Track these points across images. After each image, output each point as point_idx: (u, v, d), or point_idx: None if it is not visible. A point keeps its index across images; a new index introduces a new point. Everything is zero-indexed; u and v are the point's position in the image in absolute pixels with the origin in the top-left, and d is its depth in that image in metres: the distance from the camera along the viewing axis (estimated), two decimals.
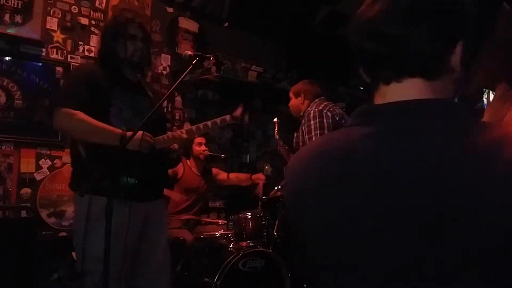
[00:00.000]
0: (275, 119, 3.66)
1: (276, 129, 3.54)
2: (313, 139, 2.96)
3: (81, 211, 2.04)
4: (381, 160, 0.64)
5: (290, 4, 4.69)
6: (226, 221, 3.50)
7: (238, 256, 2.94)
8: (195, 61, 2.11)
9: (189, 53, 2.18)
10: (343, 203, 0.67)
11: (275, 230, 3.51)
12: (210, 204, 4.49)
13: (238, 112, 2.23)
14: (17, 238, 2.89)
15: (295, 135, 3.28)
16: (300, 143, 3.15)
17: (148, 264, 2.22)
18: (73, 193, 2.15)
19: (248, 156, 4.91)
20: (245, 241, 3.17)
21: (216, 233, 3.34)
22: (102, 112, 2.06)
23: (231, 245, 3.18)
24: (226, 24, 4.58)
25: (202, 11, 4.43)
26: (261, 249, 3.09)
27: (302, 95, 3.31)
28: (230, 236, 3.26)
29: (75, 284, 3.36)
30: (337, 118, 3.04)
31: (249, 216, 3.25)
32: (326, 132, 2.96)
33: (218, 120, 2.22)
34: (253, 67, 4.80)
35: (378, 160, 0.65)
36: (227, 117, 2.23)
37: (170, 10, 4.27)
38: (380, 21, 0.70)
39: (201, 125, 2.24)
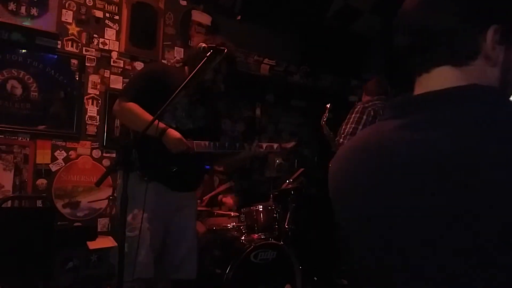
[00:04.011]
0: (328, 105, 3.58)
1: (326, 114, 3.50)
2: (347, 130, 3.21)
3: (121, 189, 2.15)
4: (413, 150, 0.63)
5: None
6: (238, 214, 3.51)
7: (250, 248, 2.95)
8: (209, 53, 2.12)
9: (204, 45, 2.18)
10: (377, 197, 0.66)
11: (286, 223, 3.52)
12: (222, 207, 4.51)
13: (289, 145, 2.40)
14: (33, 227, 2.95)
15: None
16: (341, 131, 3.31)
17: (176, 250, 2.30)
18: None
19: None
20: (256, 234, 3.18)
21: (228, 225, 3.36)
22: (159, 106, 2.13)
23: (243, 237, 3.20)
24: (239, 17, 4.58)
25: (215, 4, 4.44)
26: (273, 241, 3.11)
27: (364, 92, 3.55)
28: (242, 228, 3.28)
29: (89, 272, 3.42)
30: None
31: (261, 209, 3.26)
32: (360, 127, 3.16)
33: (264, 144, 2.38)
34: (266, 60, 4.80)
35: (410, 151, 0.63)
36: (275, 145, 2.38)
37: (184, 3, 4.28)
38: (409, 12, 0.70)
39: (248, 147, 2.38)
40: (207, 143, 2.26)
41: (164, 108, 1.98)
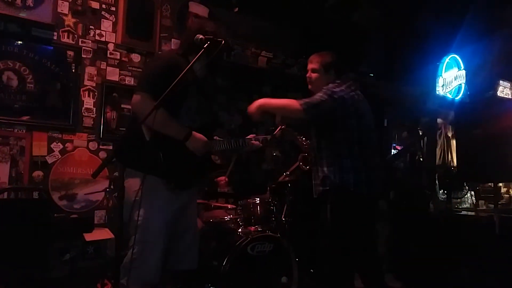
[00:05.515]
0: None
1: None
2: None
3: (132, 185, 2.11)
4: None
5: None
6: (235, 206, 3.52)
7: (247, 240, 2.96)
8: (206, 45, 2.10)
9: (201, 36, 2.17)
10: None
11: (283, 215, 3.53)
12: (219, 189, 4.50)
13: (277, 132, 2.52)
14: (30, 219, 2.95)
15: None
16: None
17: (180, 243, 2.32)
18: (125, 167, 2.22)
19: None
20: (253, 226, 3.19)
21: (225, 217, 3.36)
22: (176, 104, 2.16)
23: (240, 229, 3.20)
24: (236, 9, 4.54)
25: None
26: (270, 233, 3.11)
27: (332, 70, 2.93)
28: (239, 221, 3.28)
29: (86, 264, 3.43)
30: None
31: (258, 201, 3.27)
32: None
33: (260, 137, 2.44)
34: (263, 53, 4.78)
35: None
36: (268, 137, 2.48)
37: None
38: None
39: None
40: (219, 142, 2.33)
41: (172, 102, 1.98)
